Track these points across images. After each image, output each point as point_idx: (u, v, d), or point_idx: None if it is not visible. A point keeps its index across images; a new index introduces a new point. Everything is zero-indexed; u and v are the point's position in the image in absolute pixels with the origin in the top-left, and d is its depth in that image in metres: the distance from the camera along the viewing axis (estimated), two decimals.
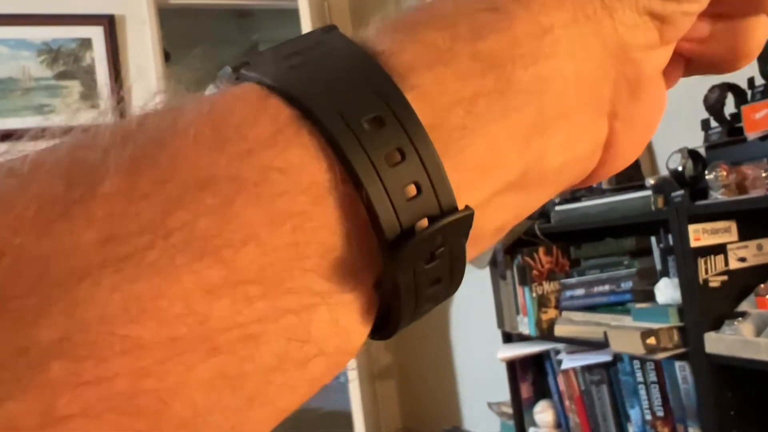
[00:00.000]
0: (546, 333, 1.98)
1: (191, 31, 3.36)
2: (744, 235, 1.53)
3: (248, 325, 0.16)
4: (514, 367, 2.21)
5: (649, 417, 1.73)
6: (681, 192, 1.57)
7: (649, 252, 1.77)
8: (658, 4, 0.21)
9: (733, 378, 1.48)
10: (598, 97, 0.21)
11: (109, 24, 2.68)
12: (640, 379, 1.74)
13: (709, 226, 1.50)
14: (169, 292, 0.15)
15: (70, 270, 0.14)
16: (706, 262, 1.48)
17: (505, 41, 0.19)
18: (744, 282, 1.51)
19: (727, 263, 1.50)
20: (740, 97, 1.55)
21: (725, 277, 1.50)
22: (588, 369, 1.93)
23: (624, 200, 1.72)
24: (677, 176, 1.58)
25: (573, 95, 0.20)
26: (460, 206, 0.18)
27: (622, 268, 1.84)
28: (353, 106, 0.17)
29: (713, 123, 1.60)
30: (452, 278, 0.19)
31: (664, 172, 1.69)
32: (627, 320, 1.71)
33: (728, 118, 1.57)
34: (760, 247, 1.55)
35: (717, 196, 1.49)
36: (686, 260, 1.49)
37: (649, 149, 1.91)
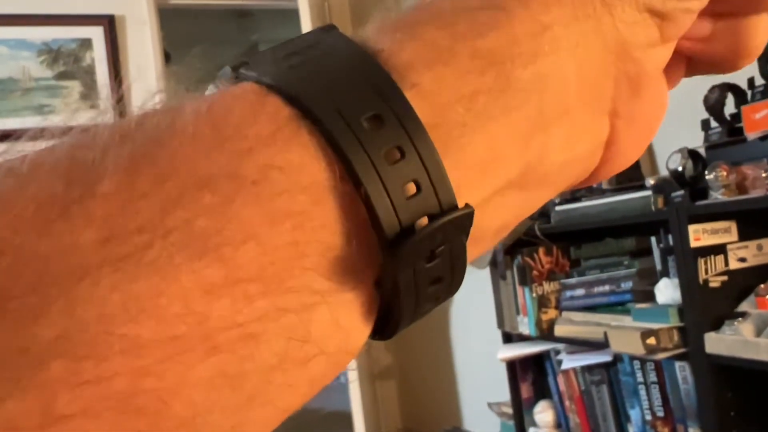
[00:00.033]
0: (546, 333, 1.98)
1: (191, 32, 3.36)
2: (744, 235, 1.53)
3: (248, 324, 0.15)
4: (514, 367, 2.21)
5: (649, 417, 1.73)
6: (681, 192, 1.57)
7: (649, 252, 1.77)
8: (658, 2, 0.21)
9: (733, 378, 1.48)
10: (599, 95, 0.21)
11: (109, 24, 2.68)
12: (640, 379, 1.74)
13: (709, 226, 1.49)
14: (169, 291, 0.15)
15: (70, 269, 0.14)
16: (706, 263, 1.48)
17: (505, 39, 0.19)
18: (744, 282, 1.51)
19: (727, 263, 1.50)
20: (740, 97, 1.55)
21: (725, 278, 1.50)
22: (588, 369, 1.93)
23: (624, 200, 1.72)
24: (677, 176, 1.58)
25: (573, 93, 0.20)
26: (461, 204, 0.18)
27: (622, 269, 1.84)
28: (352, 105, 0.17)
29: (713, 123, 1.60)
30: (453, 277, 0.19)
31: (664, 172, 1.69)
32: (627, 320, 1.71)
33: (728, 118, 1.57)
34: (760, 248, 1.55)
35: (717, 196, 1.49)
36: (686, 260, 1.49)
37: (649, 149, 1.91)
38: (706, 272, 1.48)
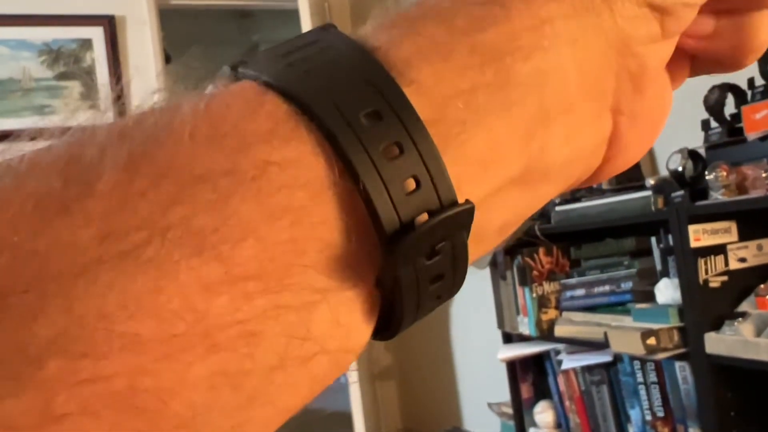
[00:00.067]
0: (546, 333, 1.98)
1: (192, 32, 3.36)
2: (744, 236, 1.53)
3: (248, 321, 0.15)
4: (514, 367, 2.21)
5: (649, 417, 1.73)
6: (681, 192, 1.57)
7: (649, 252, 1.77)
8: None
9: (733, 378, 1.48)
10: (600, 90, 0.21)
11: (110, 24, 2.68)
12: (640, 379, 1.74)
13: (709, 226, 1.49)
14: (167, 288, 0.15)
15: (68, 267, 0.14)
16: (706, 263, 1.48)
17: (504, 34, 0.19)
18: (744, 282, 1.51)
19: (727, 263, 1.50)
20: (740, 97, 1.55)
21: (725, 278, 1.50)
22: (588, 369, 1.93)
23: (624, 201, 1.72)
24: (677, 176, 1.58)
25: (574, 88, 0.20)
26: (461, 201, 0.18)
27: (622, 269, 1.84)
28: (351, 101, 0.17)
29: (713, 123, 1.60)
30: (455, 275, 0.19)
31: (664, 172, 1.69)
32: (627, 320, 1.71)
33: (728, 118, 1.57)
34: (760, 248, 1.55)
35: (717, 196, 1.49)
36: (686, 260, 1.49)
37: (649, 149, 1.91)
38: (706, 272, 1.48)
